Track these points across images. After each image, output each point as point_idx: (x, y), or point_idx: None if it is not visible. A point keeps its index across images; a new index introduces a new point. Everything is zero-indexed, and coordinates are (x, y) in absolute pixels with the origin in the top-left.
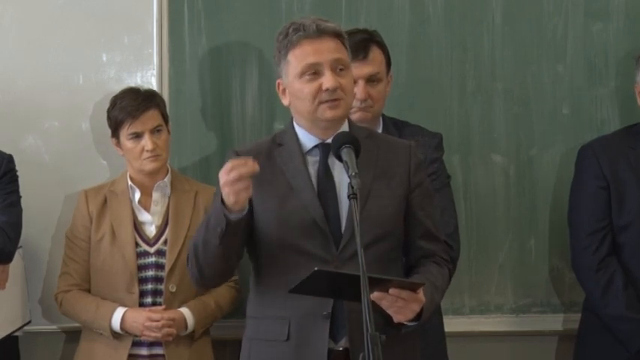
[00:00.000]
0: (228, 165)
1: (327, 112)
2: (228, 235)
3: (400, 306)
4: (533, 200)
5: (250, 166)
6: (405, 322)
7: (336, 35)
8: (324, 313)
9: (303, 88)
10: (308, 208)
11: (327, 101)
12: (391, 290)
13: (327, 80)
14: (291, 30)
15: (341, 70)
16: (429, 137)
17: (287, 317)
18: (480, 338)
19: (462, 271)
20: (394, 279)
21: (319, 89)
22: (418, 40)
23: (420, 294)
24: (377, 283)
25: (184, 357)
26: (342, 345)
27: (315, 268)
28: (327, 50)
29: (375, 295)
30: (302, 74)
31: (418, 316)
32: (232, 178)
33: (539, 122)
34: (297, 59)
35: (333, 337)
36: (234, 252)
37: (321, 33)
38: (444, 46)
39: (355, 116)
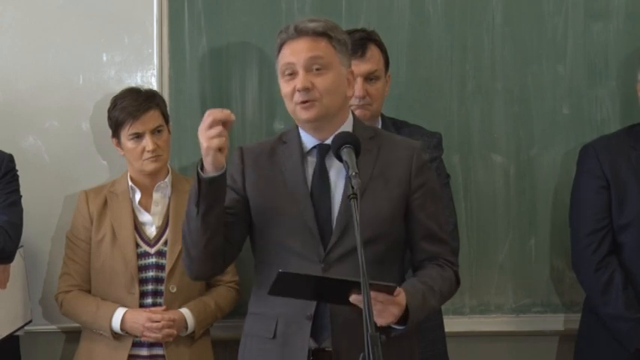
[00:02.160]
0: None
1: (301, 113)
2: (204, 199)
3: (379, 309)
4: (533, 200)
5: (226, 113)
6: (393, 326)
7: (317, 34)
8: (307, 314)
9: (283, 89)
10: (299, 208)
11: (300, 102)
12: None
13: (298, 81)
14: (279, 32)
15: (318, 69)
16: (428, 137)
17: (275, 316)
18: (480, 338)
19: (462, 271)
20: (370, 282)
21: (294, 90)
22: (418, 40)
23: (400, 297)
24: (354, 286)
25: (184, 357)
26: (325, 346)
27: (280, 270)
28: (302, 51)
29: (354, 298)
30: (282, 75)
31: (404, 320)
32: (207, 124)
33: (539, 122)
34: (280, 60)
35: (317, 337)
36: (216, 229)
37: (299, 33)
38: (444, 46)
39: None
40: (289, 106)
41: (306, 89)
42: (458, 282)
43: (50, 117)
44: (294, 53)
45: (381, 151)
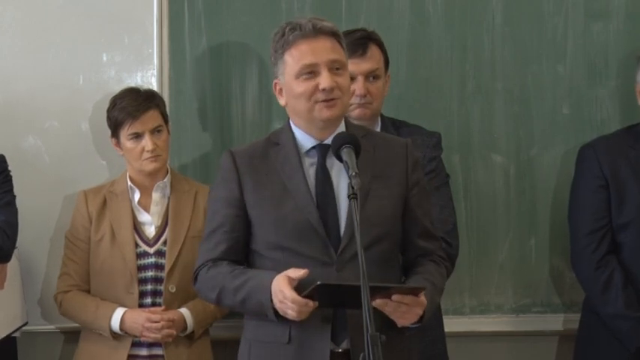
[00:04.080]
0: (307, 304)
1: (323, 112)
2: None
3: (404, 311)
4: (533, 200)
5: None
6: (408, 325)
7: (333, 34)
8: (325, 316)
9: (300, 88)
10: (303, 211)
11: (323, 101)
12: (394, 297)
13: (324, 80)
14: (287, 29)
15: (337, 69)
16: (428, 136)
17: (288, 321)
18: (480, 338)
19: (462, 271)
20: (396, 285)
21: (316, 89)
22: (418, 40)
23: (422, 297)
24: (379, 290)
25: (184, 357)
26: (343, 347)
27: (318, 282)
28: (323, 50)
29: (378, 302)
30: (299, 74)
31: (420, 318)
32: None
33: (539, 122)
34: (293, 59)
35: (334, 339)
36: None
37: (317, 32)
38: (444, 46)
39: (355, 113)
40: (304, 105)
41: (332, 89)
42: (448, 277)
43: (50, 117)
44: (316, 53)
45: (377, 150)
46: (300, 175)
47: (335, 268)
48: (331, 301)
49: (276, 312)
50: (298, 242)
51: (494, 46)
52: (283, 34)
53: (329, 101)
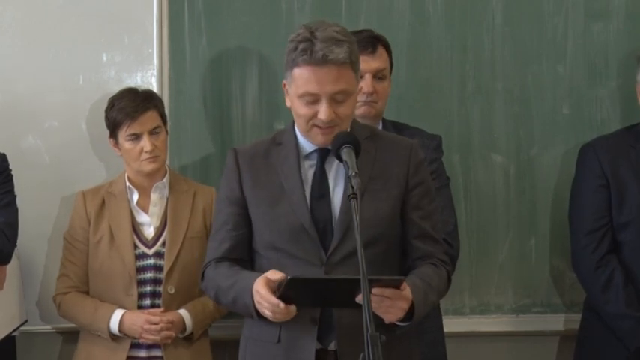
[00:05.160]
0: (279, 305)
1: (318, 138)
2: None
3: (387, 305)
4: (533, 200)
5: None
6: (398, 323)
7: (343, 64)
8: (312, 317)
9: (301, 110)
10: (296, 212)
11: (320, 127)
12: (374, 290)
13: (323, 113)
14: (300, 48)
15: (341, 99)
16: (428, 139)
17: (278, 320)
18: (480, 338)
19: (462, 271)
20: (374, 277)
21: (315, 115)
22: (418, 40)
23: (406, 291)
24: (357, 285)
25: (183, 358)
26: (331, 347)
27: (288, 277)
28: (328, 81)
29: (359, 298)
30: (301, 97)
31: (411, 316)
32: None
33: (539, 122)
34: (299, 80)
35: (322, 339)
36: None
37: (325, 62)
38: (444, 46)
39: (360, 111)
40: (303, 126)
41: (330, 121)
42: (449, 281)
43: (50, 117)
44: (320, 83)
45: (379, 151)
46: (296, 177)
47: (323, 270)
48: (312, 299)
49: (259, 313)
50: (291, 243)
51: (494, 46)
52: (295, 49)
53: (326, 129)
